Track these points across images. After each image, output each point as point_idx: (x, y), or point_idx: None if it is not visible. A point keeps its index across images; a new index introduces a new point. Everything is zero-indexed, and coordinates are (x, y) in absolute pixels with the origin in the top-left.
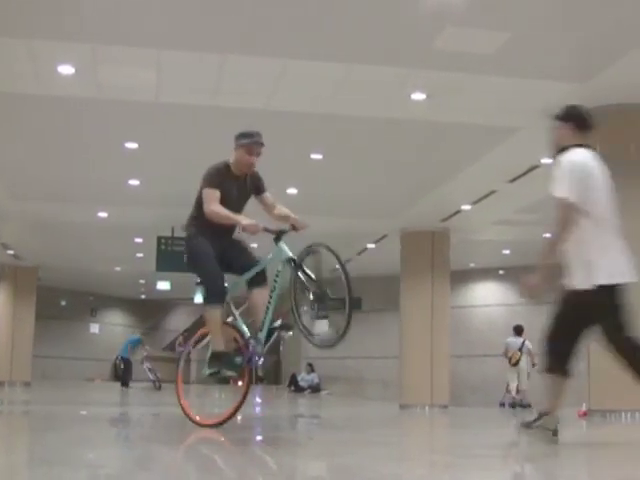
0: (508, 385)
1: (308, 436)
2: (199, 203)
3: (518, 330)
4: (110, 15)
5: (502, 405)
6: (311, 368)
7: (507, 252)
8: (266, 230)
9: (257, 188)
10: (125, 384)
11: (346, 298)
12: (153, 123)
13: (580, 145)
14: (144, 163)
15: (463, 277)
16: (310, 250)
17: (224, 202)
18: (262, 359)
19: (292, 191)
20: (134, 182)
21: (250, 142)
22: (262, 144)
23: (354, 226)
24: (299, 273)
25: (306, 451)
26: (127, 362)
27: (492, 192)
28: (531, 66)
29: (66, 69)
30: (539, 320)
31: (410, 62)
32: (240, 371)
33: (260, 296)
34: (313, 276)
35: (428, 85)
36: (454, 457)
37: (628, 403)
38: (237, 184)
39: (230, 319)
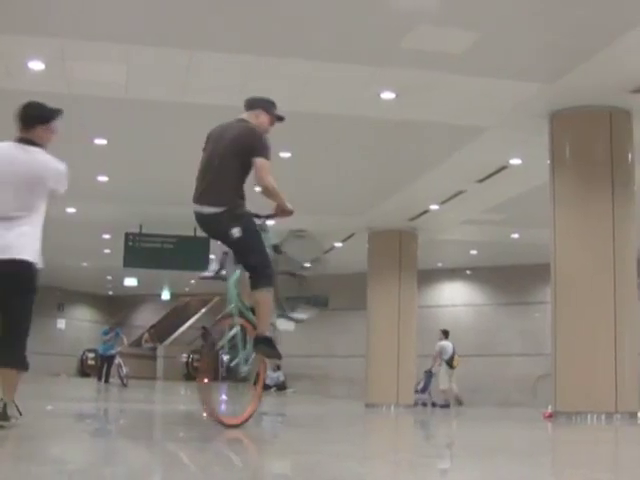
0: (417, 383)
1: (273, 434)
2: (242, 173)
3: (447, 334)
4: (80, 11)
5: (418, 405)
6: (277, 366)
7: (474, 252)
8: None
9: None
10: (107, 380)
11: None
12: (122, 119)
13: (22, 139)
14: (113, 159)
15: (430, 277)
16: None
17: None
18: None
19: (259, 189)
20: (103, 178)
21: (276, 114)
22: None
23: (322, 225)
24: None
25: (271, 449)
26: (104, 358)
27: (460, 192)
28: (500, 66)
29: (36, 65)
30: (505, 320)
31: (380, 61)
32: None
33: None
34: None
35: (397, 84)
36: (417, 456)
37: (593, 405)
38: None
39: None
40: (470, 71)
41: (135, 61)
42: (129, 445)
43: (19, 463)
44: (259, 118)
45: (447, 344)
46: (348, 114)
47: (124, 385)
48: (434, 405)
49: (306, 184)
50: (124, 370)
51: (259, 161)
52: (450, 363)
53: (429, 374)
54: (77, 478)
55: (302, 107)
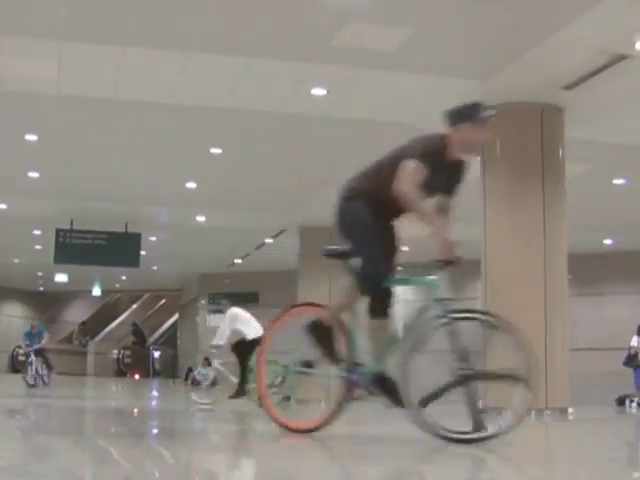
0: None
1: (203, 430)
2: (377, 173)
3: None
4: (11, 6)
5: None
6: (208, 362)
7: (405, 248)
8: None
9: (453, 186)
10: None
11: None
12: (54, 115)
13: None
14: (44, 155)
15: None
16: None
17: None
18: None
19: (191, 185)
20: (34, 174)
21: (484, 116)
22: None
23: (253, 220)
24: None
25: (202, 444)
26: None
27: None
28: (433, 63)
29: None
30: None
31: (311, 57)
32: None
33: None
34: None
35: (329, 80)
36: (345, 452)
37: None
38: (445, 172)
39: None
40: (403, 68)
41: (67, 57)
42: (60, 441)
43: None
44: (458, 135)
45: None
46: (279, 111)
47: (45, 384)
48: None
49: (237, 180)
50: (43, 369)
51: (406, 162)
52: None
53: None
54: (7, 474)
55: (234, 103)
